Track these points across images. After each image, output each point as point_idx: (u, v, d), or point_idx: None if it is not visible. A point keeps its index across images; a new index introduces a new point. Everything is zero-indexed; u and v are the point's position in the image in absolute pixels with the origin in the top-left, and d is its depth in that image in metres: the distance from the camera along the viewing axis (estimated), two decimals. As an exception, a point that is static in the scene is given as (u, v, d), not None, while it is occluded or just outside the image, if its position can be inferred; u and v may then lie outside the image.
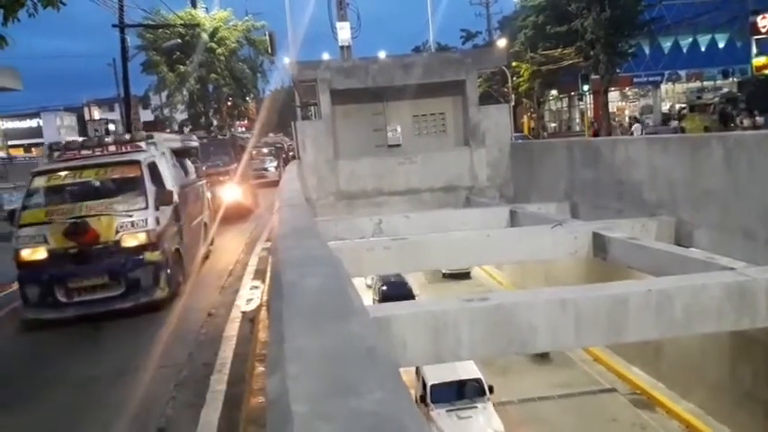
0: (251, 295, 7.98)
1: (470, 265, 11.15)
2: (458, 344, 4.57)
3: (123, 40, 22.03)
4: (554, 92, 44.38)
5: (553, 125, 45.64)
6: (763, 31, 38.73)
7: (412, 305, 5.54)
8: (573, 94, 43.89)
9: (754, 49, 41.24)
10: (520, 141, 18.89)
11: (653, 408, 7.22)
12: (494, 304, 4.64)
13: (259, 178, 27.94)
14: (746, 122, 25.15)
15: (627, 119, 41.70)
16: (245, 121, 55.99)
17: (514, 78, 35.43)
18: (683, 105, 35.26)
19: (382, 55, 21.60)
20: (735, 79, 42.05)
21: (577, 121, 45.00)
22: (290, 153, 32.51)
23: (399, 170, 12.43)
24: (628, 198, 8.30)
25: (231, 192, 14.21)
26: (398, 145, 12.82)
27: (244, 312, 7.28)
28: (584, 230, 7.48)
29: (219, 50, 33.34)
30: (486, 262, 10.35)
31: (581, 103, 41.95)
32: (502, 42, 32.51)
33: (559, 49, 31.70)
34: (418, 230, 9.13)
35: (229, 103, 37.89)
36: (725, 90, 36.35)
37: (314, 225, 3.63)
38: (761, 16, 38.38)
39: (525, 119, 41.81)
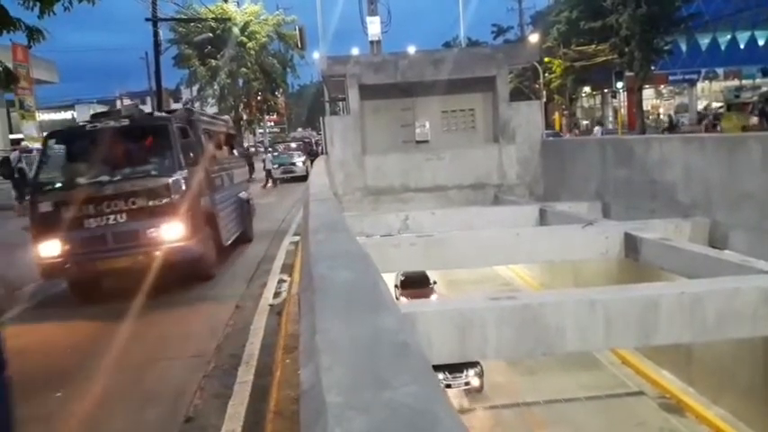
0: (278, 288, 8.06)
1: (498, 264, 11.06)
2: (484, 343, 4.55)
3: (156, 34, 22.40)
4: (587, 89, 43.75)
5: (585, 122, 44.97)
6: (807, 27, 37.52)
7: (439, 303, 5.54)
8: (606, 91, 43.15)
9: (796, 47, 40.00)
10: (551, 139, 18.67)
11: (682, 412, 7.09)
12: (521, 304, 4.60)
13: (288, 173, 28.19)
14: None
15: (661, 116, 40.88)
16: (275, 116, 56.40)
17: (546, 74, 35.04)
18: (720, 104, 34.47)
19: (412, 50, 21.55)
20: (775, 78, 40.82)
21: (610, 118, 44.24)
22: (318, 148, 32.69)
23: (427, 166, 12.40)
24: (661, 198, 8.15)
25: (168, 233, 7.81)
26: (426, 141, 12.79)
27: (271, 305, 7.35)
28: (615, 230, 7.36)
29: (250, 45, 33.67)
30: (514, 261, 10.24)
31: (614, 100, 41.24)
32: (534, 38, 32.13)
33: (593, 45, 31.25)
34: (445, 228, 9.10)
35: (259, 98, 38.20)
36: (764, 89, 35.34)
37: (343, 219, 3.64)
38: (803, 13, 37.17)
39: (557, 116, 41.31)
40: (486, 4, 39.27)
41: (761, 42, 43.58)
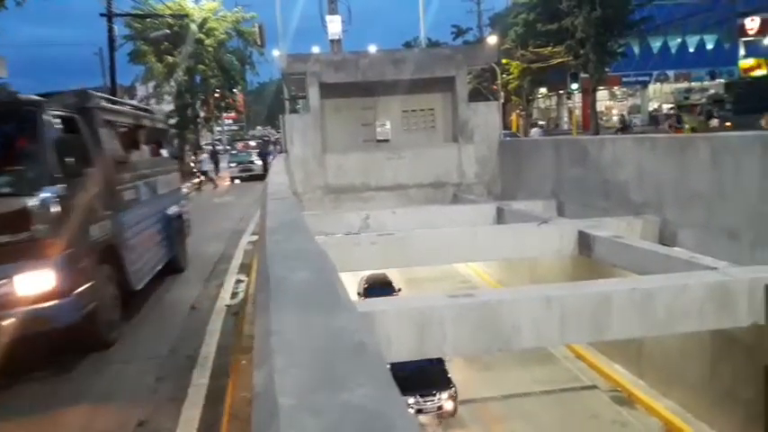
0: (236, 289, 7.96)
1: (457, 261, 11.18)
2: (443, 340, 4.59)
3: (111, 30, 21.83)
4: (543, 90, 44.59)
5: (542, 123, 45.82)
6: (751, 33, 39.24)
7: (398, 301, 5.56)
8: (562, 92, 44.15)
9: (742, 51, 41.77)
10: (508, 139, 18.96)
11: (633, 405, 7.30)
12: (479, 301, 4.66)
13: (246, 171, 27.88)
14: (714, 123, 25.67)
15: (614, 118, 42.02)
16: (233, 113, 55.57)
17: (504, 76, 35.53)
18: (671, 106, 35.67)
19: (373, 49, 21.57)
20: (722, 81, 42.51)
21: (565, 119, 45.22)
22: (277, 146, 32.37)
23: (387, 165, 12.43)
24: (614, 197, 8.37)
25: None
26: (387, 140, 12.82)
27: (228, 306, 7.26)
28: (569, 228, 7.53)
29: (208, 41, 33.08)
30: (472, 259, 10.38)
31: (570, 101, 42.19)
32: (492, 39, 32.57)
33: (549, 47, 31.84)
34: (405, 226, 9.14)
35: (217, 95, 37.58)
36: (712, 91, 36.76)
37: (301, 219, 3.62)
38: (749, 18, 38.85)
39: (514, 116, 41.98)
40: (445, 6, 39.64)
41: (709, 46, 45.31)
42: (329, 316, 1.77)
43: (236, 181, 27.69)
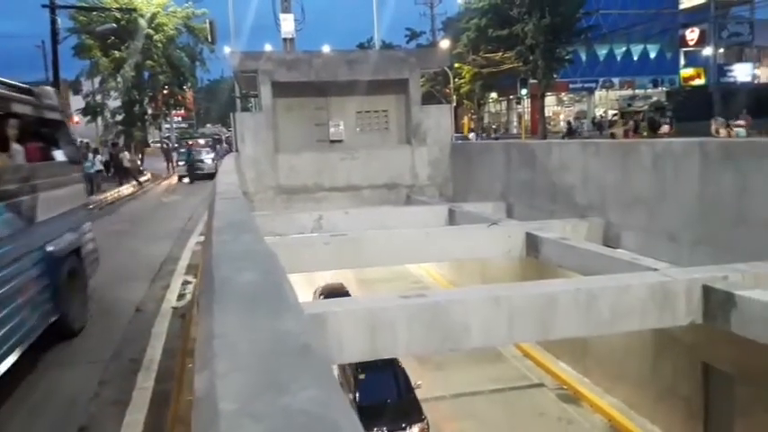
0: (183, 290, 7.77)
1: (409, 262, 11.24)
2: (394, 341, 4.59)
3: (54, 22, 21.02)
4: (494, 94, 45.36)
5: (494, 126, 46.65)
6: (691, 43, 41.01)
7: (349, 302, 5.54)
8: (512, 97, 44.98)
9: (683, 61, 43.62)
10: (460, 142, 19.19)
11: (579, 402, 7.51)
12: (430, 301, 4.68)
13: (195, 170, 27.32)
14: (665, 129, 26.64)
15: (561, 123, 43.14)
16: (183, 111, 54.34)
17: (456, 79, 35.98)
18: (615, 112, 36.90)
19: (326, 50, 21.48)
20: (664, 88, 44.26)
21: (515, 124, 46.15)
22: (224, 145, 31.86)
23: (341, 166, 12.38)
24: (560, 200, 8.58)
25: None
26: (341, 141, 12.77)
27: (175, 308, 7.08)
28: (518, 230, 7.67)
29: (157, 37, 32.25)
30: (424, 260, 10.46)
31: (519, 106, 43.08)
32: (445, 43, 32.92)
33: (500, 53, 32.43)
34: (358, 227, 9.13)
35: (165, 92, 36.65)
36: (654, 99, 38.20)
37: (251, 219, 3.55)
38: (689, 30, 40.60)
39: (466, 120, 42.55)
40: (400, 9, 39.86)
41: (652, 55, 47.14)
42: (275, 318, 1.74)
43: (185, 180, 27.11)
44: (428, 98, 28.09)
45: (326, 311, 4.30)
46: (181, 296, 7.62)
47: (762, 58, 46.85)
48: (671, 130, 26.01)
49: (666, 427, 6.54)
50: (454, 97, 34.93)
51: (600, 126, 37.37)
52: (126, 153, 28.32)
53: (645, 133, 26.94)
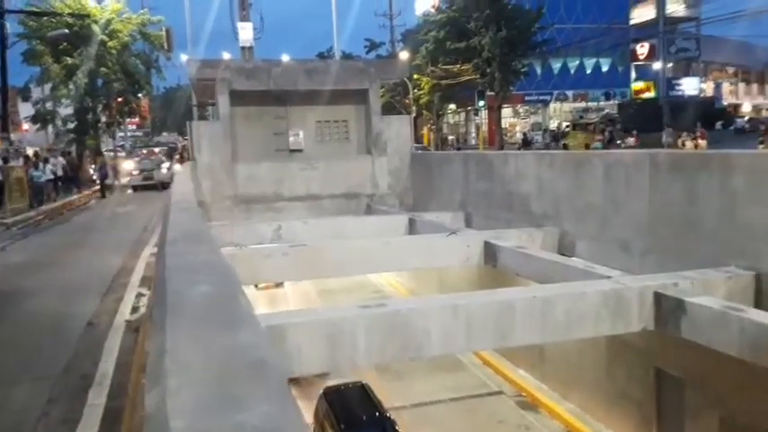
0: (137, 303, 7.57)
1: (370, 272, 11.23)
2: (354, 351, 4.57)
3: (2, 26, 20.33)
4: (452, 106, 45.95)
5: (451, 137, 47.23)
6: (642, 57, 42.52)
7: (308, 313, 5.49)
8: (469, 108, 45.72)
9: (633, 74, 45.14)
10: (420, 152, 19.34)
11: (537, 409, 7.60)
12: (390, 310, 4.68)
13: (150, 179, 26.74)
14: (629, 141, 27.38)
15: (518, 134, 44.00)
16: (137, 119, 53.21)
17: (416, 91, 36.31)
18: (568, 124, 37.89)
19: (286, 59, 21.40)
20: (616, 101, 45.67)
21: (473, 134, 46.81)
22: (184, 153, 31.28)
23: (300, 176, 12.30)
24: (517, 209, 8.73)
25: None
26: (300, 150, 12.70)
27: (128, 321, 6.89)
28: (476, 239, 7.77)
29: (111, 43, 31.51)
30: (385, 269, 10.46)
31: (477, 117, 43.76)
32: (404, 55, 33.23)
33: (458, 65, 32.89)
34: (318, 237, 9.07)
35: (120, 99, 35.81)
36: (606, 111, 39.37)
37: (206, 230, 3.49)
38: (639, 44, 42.09)
39: (425, 130, 42.95)
40: (359, 19, 40.06)
41: (604, 68, 48.64)
42: (229, 332, 1.71)
43: (139, 189, 26.53)
44: (388, 109, 28.23)
45: (285, 323, 4.26)
46: (135, 309, 7.41)
47: (708, 72, 48.89)
48: (636, 143, 26.67)
49: (620, 431, 6.69)
50: (414, 108, 35.23)
51: (556, 137, 38.28)
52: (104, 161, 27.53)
53: (621, 144, 27.50)
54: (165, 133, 67.35)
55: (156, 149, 30.84)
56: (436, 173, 12.14)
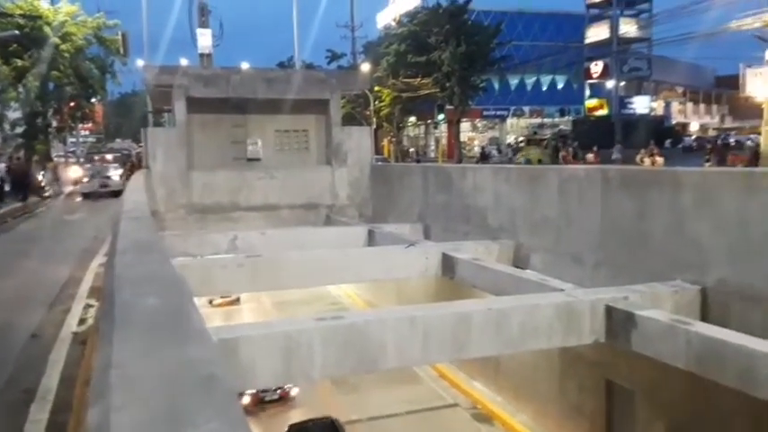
0: (84, 314, 7.31)
1: (328, 283, 11.14)
2: (310, 364, 4.51)
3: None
4: (413, 118, 46.33)
5: (411, 150, 47.57)
6: (595, 76, 43.83)
7: (264, 325, 5.40)
8: (429, 121, 46.21)
9: (587, 92, 46.47)
10: (380, 164, 19.41)
11: (491, 421, 7.66)
12: (347, 323, 4.65)
13: (101, 187, 25.98)
14: (590, 156, 27.88)
15: (476, 148, 44.68)
16: (90, 125, 51.76)
17: (376, 102, 36.48)
18: (521, 139, 38.74)
19: (245, 66, 21.21)
20: (570, 117, 46.93)
21: (433, 147, 47.29)
22: (137, 161, 30.51)
23: (258, 185, 12.16)
24: (474, 222, 8.83)
25: None
26: (259, 159, 12.56)
27: (75, 333, 6.64)
28: (434, 251, 7.82)
29: (64, 47, 30.57)
30: (343, 281, 10.40)
31: (436, 130, 44.26)
32: (366, 67, 33.38)
33: (419, 79, 33.24)
34: (275, 248, 8.96)
35: (72, 104, 34.76)
36: (560, 127, 40.42)
37: (158, 240, 3.40)
38: (594, 63, 43.43)
39: (386, 142, 43.17)
40: (321, 30, 40.06)
41: (560, 86, 50.00)
42: (179, 346, 1.66)
43: (90, 197, 25.76)
44: (349, 120, 28.25)
45: (239, 336, 4.17)
46: (82, 321, 7.15)
47: (658, 92, 50.74)
48: (596, 160, 26.94)
49: (573, 442, 6.79)
50: (374, 120, 35.38)
51: (516, 151, 39.05)
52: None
53: (582, 158, 27.73)
54: (118, 140, 65.68)
55: (109, 156, 30.01)
56: (396, 185, 12.19)
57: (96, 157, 29.83)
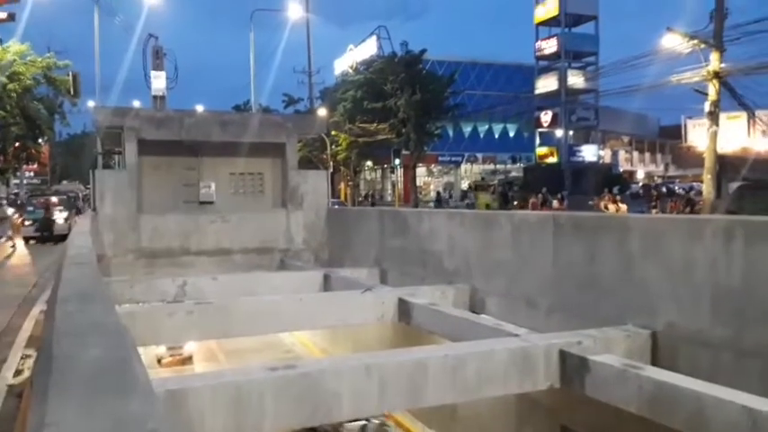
0: (22, 365, 6.90)
1: (281, 330, 10.88)
2: (261, 415, 4.34)
3: None
4: (369, 163, 46.83)
5: (367, 193, 47.86)
6: (545, 125, 45.50)
7: (213, 375, 5.20)
8: (386, 166, 46.77)
9: (538, 140, 48.08)
10: (337, 207, 19.39)
11: (449, 470, 7.49)
12: (300, 372, 4.52)
13: (45, 231, 25.01)
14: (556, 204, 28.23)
15: (432, 192, 45.32)
16: (36, 166, 50.26)
17: (333, 147, 36.76)
18: (468, 185, 39.70)
19: (200, 109, 21.11)
20: (522, 164, 48.31)
21: (389, 191, 47.71)
22: (86, 203, 29.61)
23: (211, 229, 11.94)
24: (430, 266, 8.85)
25: None
26: (212, 202, 12.37)
27: (10, 386, 6.24)
28: (391, 296, 7.76)
29: (11, 86, 29.86)
30: (297, 327, 10.17)
31: (393, 175, 44.79)
32: (322, 112, 33.74)
33: (375, 124, 33.76)
34: (227, 294, 8.74)
35: (17, 144, 33.70)
36: (511, 174, 41.54)
37: (103, 287, 3.25)
38: (543, 112, 45.13)
39: (343, 185, 43.36)
40: (278, 74, 40.42)
41: (511, 133, 51.66)
42: (120, 401, 1.56)
43: (32, 241, 24.73)
44: (305, 163, 28.30)
45: (185, 387, 3.99)
46: (19, 372, 6.73)
47: (606, 140, 52.90)
48: (560, 206, 26.85)
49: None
50: (331, 163, 35.57)
51: (462, 196, 39.80)
52: None
53: (555, 205, 27.63)
54: (65, 181, 63.78)
55: (54, 198, 29.04)
56: (353, 228, 12.16)
57: (41, 200, 28.79)
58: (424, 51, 33.67)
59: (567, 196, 28.44)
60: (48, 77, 32.08)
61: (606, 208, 22.01)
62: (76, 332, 2.24)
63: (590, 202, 26.55)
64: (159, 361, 10.34)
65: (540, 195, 29.20)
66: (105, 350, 2.02)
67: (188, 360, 10.68)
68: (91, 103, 27.99)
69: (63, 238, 21.94)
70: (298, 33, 36.75)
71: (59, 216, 26.53)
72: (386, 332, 9.11)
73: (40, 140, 36.14)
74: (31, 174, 59.81)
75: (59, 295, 2.92)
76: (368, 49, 45.26)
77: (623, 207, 22.38)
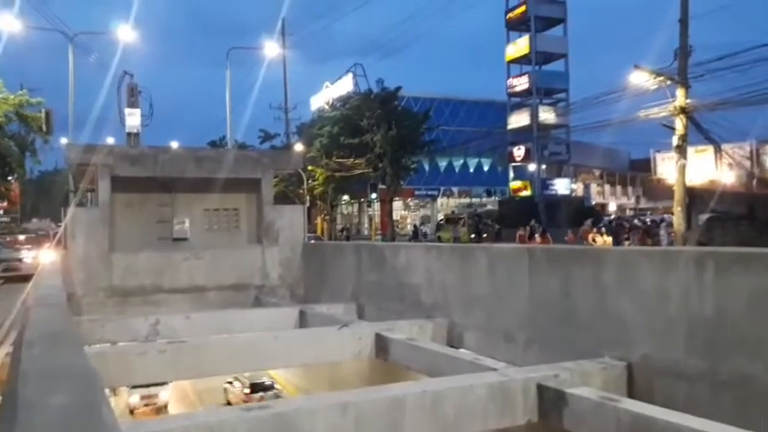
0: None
1: (255, 369, 10.67)
2: (235, 458, 4.21)
3: None
4: (346, 197, 46.89)
5: (343, 227, 47.79)
6: (518, 159, 46.17)
7: (185, 417, 5.05)
8: (363, 200, 46.88)
9: (511, 174, 48.71)
10: (313, 242, 19.30)
11: None
12: (275, 412, 4.42)
13: (12, 270, 24.30)
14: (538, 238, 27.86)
15: (408, 226, 45.46)
16: (5, 203, 49.25)
17: (310, 181, 36.79)
18: (442, 217, 39.90)
19: (175, 145, 21.02)
20: (496, 198, 48.80)
21: (366, 225, 47.74)
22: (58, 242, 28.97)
23: (184, 266, 11.77)
24: (408, 300, 8.81)
25: None
26: (185, 239, 12.23)
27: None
28: (368, 331, 7.69)
29: (-18, 124, 29.42)
30: (273, 365, 10.00)
31: (369, 209, 44.87)
32: (299, 147, 33.86)
33: (352, 159, 33.95)
34: (200, 332, 8.58)
35: (-13, 181, 33.06)
36: (486, 207, 41.95)
37: (72, 328, 3.17)
38: (516, 147, 45.87)
39: (319, 220, 43.25)
40: (254, 110, 40.51)
41: (486, 168, 52.35)
42: (85, 449, 1.50)
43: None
44: (282, 198, 28.22)
45: (156, 431, 3.87)
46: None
47: (578, 174, 53.83)
48: (543, 240, 26.06)
49: None
50: (308, 198, 35.53)
51: (436, 229, 39.90)
52: None
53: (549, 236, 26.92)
54: (35, 219, 62.49)
55: (22, 237, 28.39)
56: (329, 263, 12.09)
57: (8, 239, 28.10)
58: (399, 88, 34.20)
59: (540, 229, 28.33)
60: (20, 115, 31.71)
61: (594, 240, 22.03)
62: (43, 377, 2.17)
63: (565, 238, 26.61)
64: (132, 411, 9.94)
65: (528, 228, 28.54)
66: (73, 396, 1.95)
67: (163, 409, 10.28)
68: (64, 140, 27.70)
69: (30, 278, 21.38)
70: (274, 71, 37.02)
71: (27, 255, 25.89)
72: (363, 369, 9.00)
73: (9, 178, 35.52)
74: (1, 212, 58.53)
75: (26, 338, 2.83)
76: (344, 85, 45.78)
77: (609, 240, 22.56)
